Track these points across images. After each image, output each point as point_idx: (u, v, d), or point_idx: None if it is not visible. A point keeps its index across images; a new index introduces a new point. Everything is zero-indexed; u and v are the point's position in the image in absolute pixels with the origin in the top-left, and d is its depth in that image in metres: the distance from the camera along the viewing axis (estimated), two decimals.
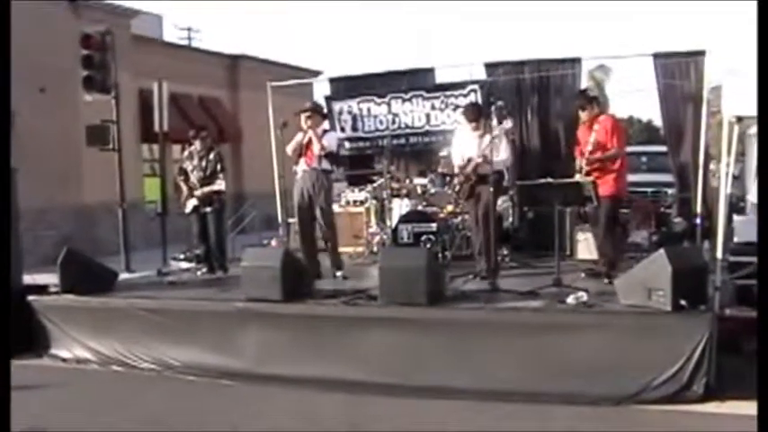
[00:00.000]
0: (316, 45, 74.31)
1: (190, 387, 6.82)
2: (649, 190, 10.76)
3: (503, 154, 7.71)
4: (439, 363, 6.22)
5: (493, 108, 9.30)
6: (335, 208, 10.79)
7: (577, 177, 7.51)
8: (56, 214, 15.44)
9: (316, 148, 8.08)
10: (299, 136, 8.24)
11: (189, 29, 32.26)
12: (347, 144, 11.38)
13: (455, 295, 6.95)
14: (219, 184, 8.78)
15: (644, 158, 13.43)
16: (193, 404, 6.41)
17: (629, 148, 12.88)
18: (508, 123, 7.66)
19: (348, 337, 6.56)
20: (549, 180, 7.26)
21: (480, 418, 5.69)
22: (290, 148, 8.31)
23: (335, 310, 6.76)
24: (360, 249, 10.12)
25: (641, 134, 38.52)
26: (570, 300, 6.37)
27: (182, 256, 10.33)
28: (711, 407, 5.56)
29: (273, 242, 11.20)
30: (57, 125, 15.31)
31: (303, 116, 8.13)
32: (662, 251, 6.05)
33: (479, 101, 9.78)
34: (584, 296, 6.40)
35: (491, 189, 7.42)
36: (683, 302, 5.79)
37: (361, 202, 10.67)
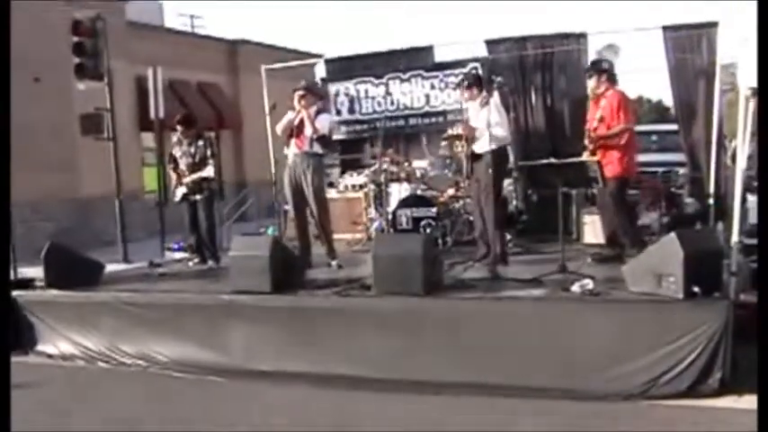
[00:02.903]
0: (317, 28, 73.73)
1: (177, 384, 6.52)
2: (660, 170, 10.32)
3: (496, 129, 7.23)
4: (436, 356, 5.87)
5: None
6: (333, 194, 10.49)
7: (584, 156, 7.11)
8: (52, 206, 15.15)
9: (308, 130, 7.71)
10: (289, 115, 7.88)
11: (192, 16, 31.84)
12: (344, 128, 11.05)
13: (454, 284, 6.56)
14: (209, 171, 8.41)
15: (654, 137, 12.93)
16: (180, 402, 6.10)
17: (640, 127, 12.46)
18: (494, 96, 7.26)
19: (340, 330, 6.21)
20: (552, 160, 6.86)
21: (479, 414, 5.36)
22: (279, 128, 7.95)
23: (327, 302, 6.39)
24: (358, 236, 9.75)
25: (650, 114, 37.88)
26: (575, 287, 5.98)
27: (176, 246, 9.99)
28: (727, 401, 5.19)
29: (270, 230, 10.85)
30: (51, 115, 14.99)
31: (296, 95, 7.77)
32: (673, 234, 5.65)
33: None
34: (590, 283, 6.01)
35: (489, 169, 7.01)
36: (695, 289, 5.40)
37: (360, 187, 10.30)
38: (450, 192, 9.31)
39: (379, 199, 9.74)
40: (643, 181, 9.15)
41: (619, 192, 7.23)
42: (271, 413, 5.68)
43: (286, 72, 11.00)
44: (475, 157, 7.36)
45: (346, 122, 11.05)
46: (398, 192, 9.60)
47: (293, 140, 7.81)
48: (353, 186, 10.45)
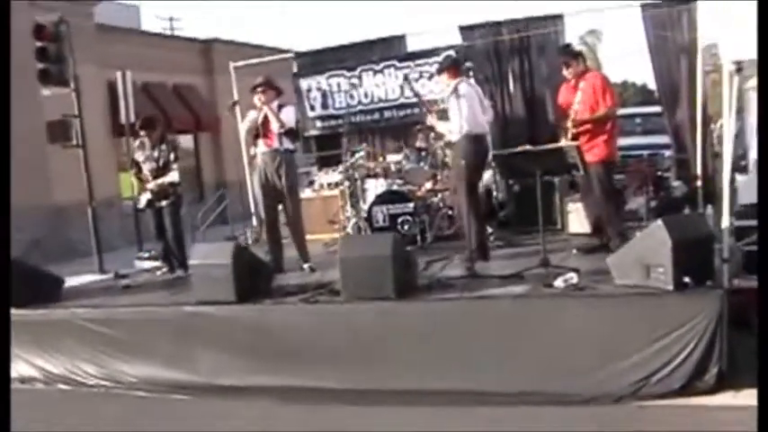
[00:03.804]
0: (292, 24, 73.08)
1: (141, 404, 6.11)
2: (645, 153, 9.99)
3: (465, 117, 6.78)
4: (410, 364, 5.49)
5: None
6: (309, 193, 10.11)
7: (562, 142, 6.76)
8: (24, 216, 14.62)
9: (274, 126, 7.31)
10: (252, 114, 7.49)
11: (171, 18, 31.29)
12: (318, 123, 10.68)
13: (429, 284, 6.14)
14: (173, 176, 7.97)
15: (638, 120, 12.65)
16: (145, 423, 5.71)
17: (623, 110, 12.14)
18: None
19: (308, 340, 5.81)
20: (528, 148, 6.48)
21: (460, 425, 5.00)
22: (243, 128, 7.58)
23: (293, 310, 5.98)
24: (335, 236, 9.34)
25: (635, 97, 37.62)
26: (558, 282, 5.61)
27: (146, 255, 9.57)
28: (725, 398, 4.85)
29: (249, 234, 10.45)
30: (18, 122, 14.45)
31: (256, 93, 7.37)
32: (660, 222, 5.29)
33: None
34: (574, 277, 5.64)
35: (462, 160, 6.63)
36: (686, 279, 5.07)
37: (336, 185, 9.91)
38: (428, 185, 8.90)
39: (355, 196, 9.36)
40: (629, 165, 8.83)
41: (606, 176, 6.89)
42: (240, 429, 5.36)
43: (260, 69, 10.59)
44: (451, 147, 7.00)
45: (320, 118, 10.70)
46: (375, 188, 9.20)
47: (261, 140, 7.42)
48: (329, 185, 10.06)
